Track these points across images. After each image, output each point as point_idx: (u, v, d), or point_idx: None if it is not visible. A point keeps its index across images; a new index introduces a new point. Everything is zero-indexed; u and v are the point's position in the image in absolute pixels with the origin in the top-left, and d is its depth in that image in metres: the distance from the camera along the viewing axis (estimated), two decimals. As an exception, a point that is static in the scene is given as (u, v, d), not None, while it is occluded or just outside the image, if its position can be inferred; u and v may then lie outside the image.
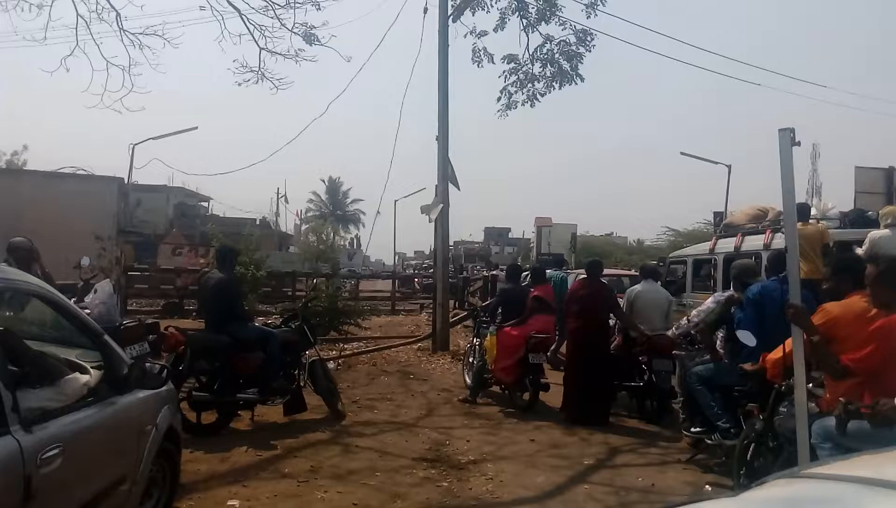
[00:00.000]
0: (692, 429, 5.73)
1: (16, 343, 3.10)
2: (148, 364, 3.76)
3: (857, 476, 1.29)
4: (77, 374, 3.20)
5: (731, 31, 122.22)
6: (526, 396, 8.02)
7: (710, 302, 6.86)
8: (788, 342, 3.71)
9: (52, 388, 2.97)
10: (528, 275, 10.32)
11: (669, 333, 7.37)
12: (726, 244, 9.70)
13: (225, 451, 5.83)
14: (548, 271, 11.69)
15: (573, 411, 7.43)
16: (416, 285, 30.76)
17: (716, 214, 17.33)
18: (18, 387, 2.59)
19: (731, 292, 6.55)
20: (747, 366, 4.84)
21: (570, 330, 7.94)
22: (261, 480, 5.17)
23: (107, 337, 3.45)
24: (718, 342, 6.04)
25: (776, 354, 4.20)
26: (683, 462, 5.79)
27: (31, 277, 3.35)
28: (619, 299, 8.21)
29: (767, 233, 8.54)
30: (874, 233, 7.28)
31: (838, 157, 72.87)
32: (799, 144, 3.50)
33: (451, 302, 17.37)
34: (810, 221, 7.82)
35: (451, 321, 13.80)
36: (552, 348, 10.08)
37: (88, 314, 4.68)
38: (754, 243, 8.82)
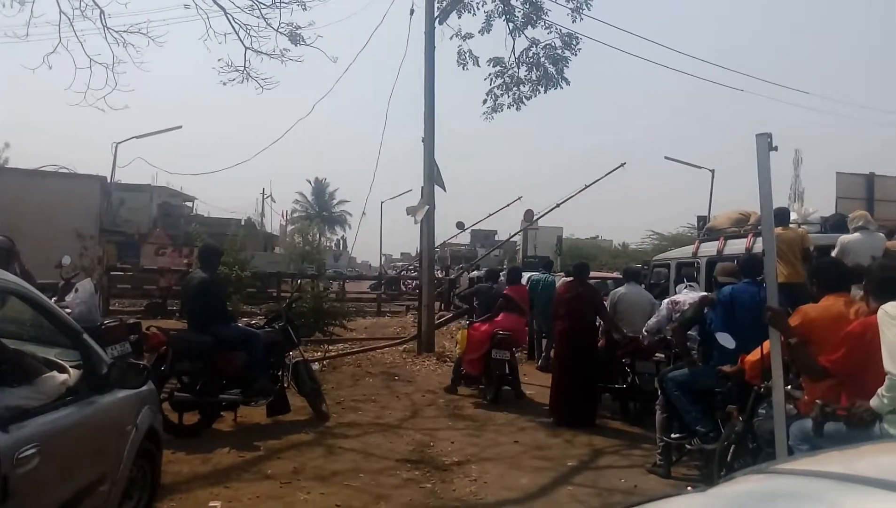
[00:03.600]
0: (673, 435, 5.75)
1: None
2: (128, 364, 3.73)
3: (826, 472, 1.31)
4: (55, 373, 3.17)
5: (715, 37, 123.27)
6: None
7: (662, 310, 6.94)
8: (767, 343, 3.75)
9: (29, 387, 2.94)
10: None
11: (642, 337, 7.37)
12: (709, 248, 9.76)
13: (207, 452, 5.79)
14: (534, 274, 11.76)
15: (560, 412, 7.46)
16: (403, 286, 30.70)
17: (699, 218, 17.51)
18: (-5, 386, 2.56)
19: (675, 297, 6.67)
20: (726, 368, 4.87)
21: (556, 332, 7.98)
22: (243, 481, 5.14)
23: (86, 336, 3.41)
24: (692, 345, 6.05)
25: (754, 355, 4.24)
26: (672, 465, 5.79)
27: (9, 275, 3.31)
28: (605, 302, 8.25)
29: (749, 237, 8.61)
30: (844, 237, 7.41)
31: (820, 162, 73.81)
32: (776, 149, 3.54)
33: (437, 304, 17.38)
34: (791, 225, 7.91)
35: (436, 322, 13.78)
36: (544, 353, 10.24)
37: (69, 314, 4.64)
38: (737, 246, 8.88)
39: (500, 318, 8.62)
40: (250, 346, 6.69)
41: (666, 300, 7.05)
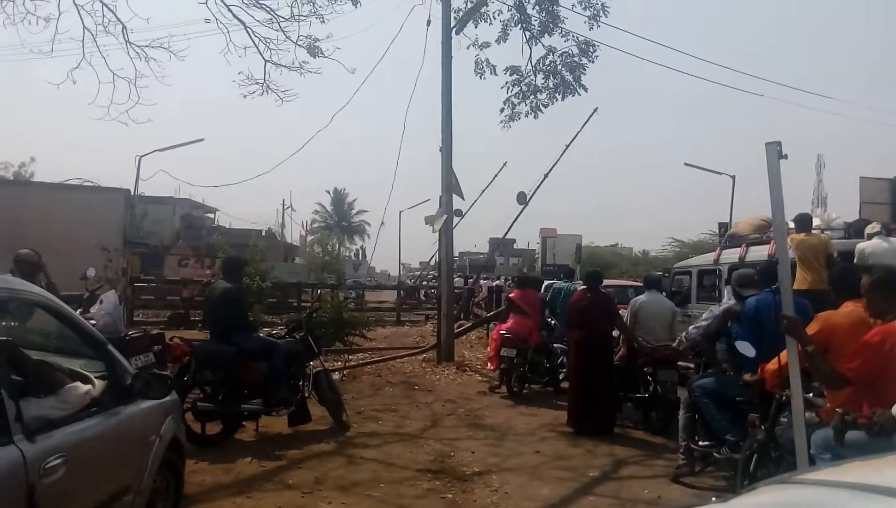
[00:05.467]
0: (700, 443, 5.69)
1: (19, 353, 3.11)
2: (152, 375, 3.77)
3: (847, 482, 1.29)
4: (80, 384, 3.21)
5: (735, 42, 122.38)
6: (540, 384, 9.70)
7: (706, 315, 6.85)
8: (785, 352, 3.71)
9: (55, 398, 2.98)
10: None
11: (675, 343, 7.34)
12: (731, 255, 9.69)
13: (229, 462, 5.83)
14: (556, 282, 11.82)
15: (578, 421, 7.41)
16: (423, 296, 30.75)
17: (720, 224, 17.32)
18: (22, 397, 2.60)
19: (728, 303, 6.56)
20: (747, 376, 4.82)
21: (572, 341, 7.95)
22: (265, 491, 5.17)
23: (110, 347, 3.46)
24: (720, 355, 5.99)
25: (773, 364, 4.20)
26: (692, 475, 5.73)
27: (35, 287, 3.37)
28: (623, 310, 8.20)
29: (772, 243, 8.52)
30: (861, 244, 7.31)
31: (843, 167, 72.80)
32: (786, 157, 3.51)
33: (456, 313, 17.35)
34: (814, 231, 7.82)
35: (455, 331, 13.76)
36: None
37: (94, 325, 4.72)
38: (759, 253, 8.80)
39: (510, 320, 9.79)
40: (271, 356, 6.73)
41: (714, 308, 6.89)
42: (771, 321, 5.05)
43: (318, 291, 15.90)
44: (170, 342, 6.64)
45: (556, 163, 18.74)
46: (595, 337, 7.55)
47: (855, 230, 8.49)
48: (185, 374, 6.32)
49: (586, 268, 16.13)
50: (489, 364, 10.22)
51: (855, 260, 7.14)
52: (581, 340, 7.64)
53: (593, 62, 13.43)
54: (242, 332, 6.83)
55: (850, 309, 3.89)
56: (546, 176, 18.85)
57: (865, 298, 3.70)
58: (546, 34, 13.44)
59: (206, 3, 8.88)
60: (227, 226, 39.91)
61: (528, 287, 10.55)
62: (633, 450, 6.75)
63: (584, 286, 8.31)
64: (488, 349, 10.28)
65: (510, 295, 10.28)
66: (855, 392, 3.56)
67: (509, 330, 9.55)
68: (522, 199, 17.52)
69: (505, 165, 19.85)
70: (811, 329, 3.77)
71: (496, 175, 19.57)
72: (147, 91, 12.76)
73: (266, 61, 9.82)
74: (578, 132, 18.48)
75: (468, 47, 13.69)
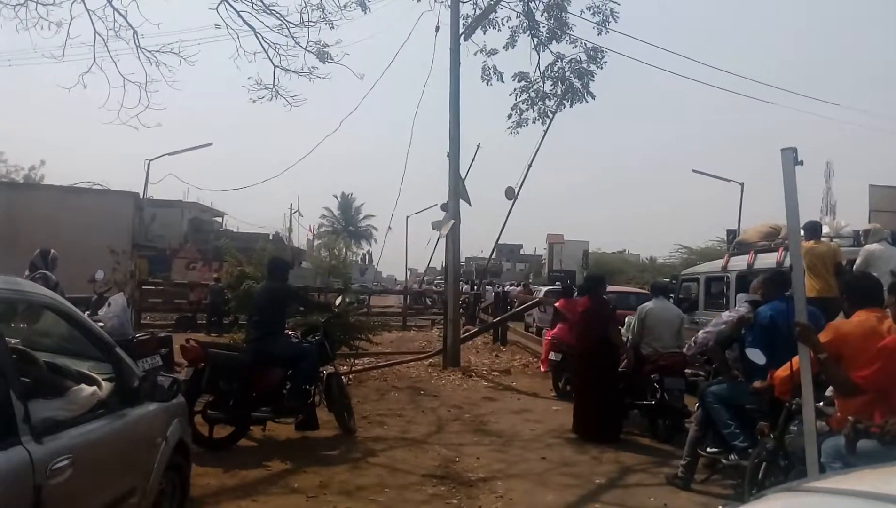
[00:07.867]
0: (708, 449, 5.66)
1: (27, 355, 3.13)
2: (159, 377, 3.78)
3: (856, 490, 1.28)
4: (87, 386, 3.22)
5: (744, 50, 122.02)
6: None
7: (715, 321, 6.81)
8: (796, 359, 3.69)
9: (62, 399, 2.99)
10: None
11: (685, 349, 7.30)
12: (739, 262, 9.64)
13: (235, 465, 5.83)
14: None
15: (584, 427, 7.38)
16: (428, 301, 30.70)
17: (729, 231, 17.24)
18: (29, 398, 2.61)
19: (740, 311, 6.52)
20: (757, 383, 4.79)
21: (576, 347, 7.94)
22: (270, 495, 5.17)
23: (118, 349, 3.47)
24: (732, 362, 5.96)
25: (783, 371, 4.18)
26: (698, 483, 5.71)
27: (44, 289, 3.39)
28: (630, 317, 8.17)
29: (780, 251, 8.49)
30: (868, 247, 7.25)
31: (853, 175, 72.49)
32: (802, 163, 3.50)
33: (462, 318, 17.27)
34: (822, 239, 7.78)
35: (462, 336, 13.74)
36: None
37: (102, 327, 4.74)
38: (767, 260, 8.76)
39: (556, 327, 10.68)
40: (299, 364, 6.71)
41: (727, 314, 6.84)
42: (786, 326, 5.02)
43: (340, 295, 15.82)
44: (186, 343, 6.58)
45: (536, 151, 18.41)
46: (597, 343, 7.51)
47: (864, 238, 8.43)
48: (199, 378, 6.31)
49: (587, 272, 16.04)
50: (541, 367, 11.47)
51: (857, 262, 7.05)
52: (584, 346, 7.62)
53: (602, 68, 13.46)
54: (278, 336, 6.85)
55: (862, 318, 3.85)
56: (530, 166, 18.57)
57: (891, 306, 3.65)
58: (554, 41, 13.47)
59: (216, 8, 8.94)
60: (235, 230, 40.13)
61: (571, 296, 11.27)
62: (639, 457, 6.71)
63: (587, 292, 8.31)
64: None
65: (555, 304, 11.30)
66: (867, 401, 3.53)
67: (555, 336, 10.45)
68: (511, 194, 17.37)
69: (479, 145, 19.65)
70: (823, 338, 3.74)
71: (473, 158, 19.32)
72: (157, 95, 12.87)
73: (275, 67, 9.88)
74: (555, 113, 18.11)
75: (476, 53, 13.74)
